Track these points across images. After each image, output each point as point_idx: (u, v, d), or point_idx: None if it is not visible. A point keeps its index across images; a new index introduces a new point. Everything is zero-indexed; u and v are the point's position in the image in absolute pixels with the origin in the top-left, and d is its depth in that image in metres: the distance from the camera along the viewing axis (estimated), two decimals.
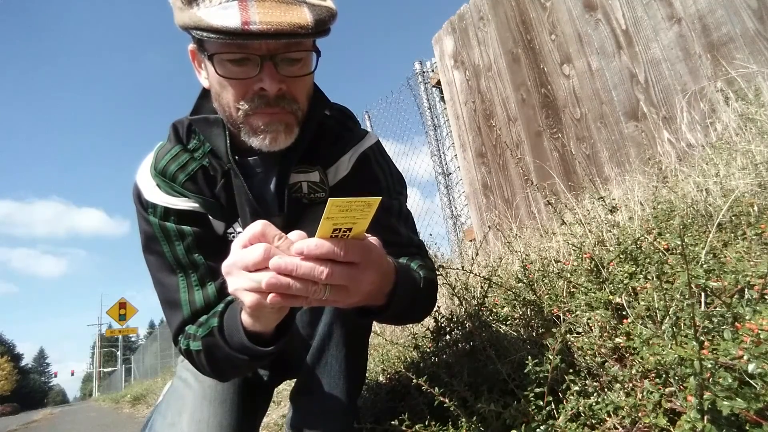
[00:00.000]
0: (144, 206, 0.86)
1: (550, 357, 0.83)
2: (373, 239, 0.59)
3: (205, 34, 0.68)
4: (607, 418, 0.80)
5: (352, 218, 0.51)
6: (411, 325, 1.67)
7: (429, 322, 1.34)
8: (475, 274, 1.48)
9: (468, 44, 3.27)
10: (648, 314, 0.90)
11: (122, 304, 17.51)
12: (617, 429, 0.79)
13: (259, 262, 0.54)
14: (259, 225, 0.56)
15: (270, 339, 0.69)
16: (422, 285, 0.84)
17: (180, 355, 0.94)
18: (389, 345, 1.73)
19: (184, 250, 0.84)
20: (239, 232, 0.89)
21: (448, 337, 1.32)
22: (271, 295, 0.54)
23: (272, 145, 0.78)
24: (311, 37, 0.72)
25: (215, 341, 0.73)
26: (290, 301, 0.55)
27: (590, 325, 1.01)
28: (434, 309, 1.11)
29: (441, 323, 1.31)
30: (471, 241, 3.27)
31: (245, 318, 0.66)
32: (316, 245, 0.52)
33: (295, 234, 0.56)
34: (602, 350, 0.93)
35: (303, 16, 0.69)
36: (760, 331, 0.65)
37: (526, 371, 0.84)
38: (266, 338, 0.68)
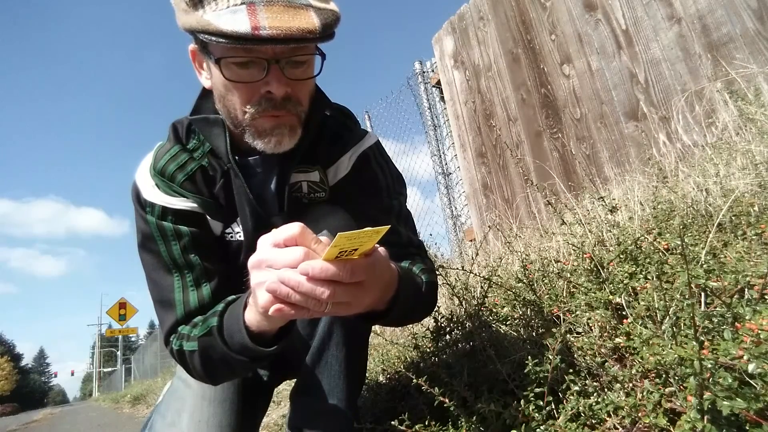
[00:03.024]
0: (142, 205, 0.87)
1: (550, 357, 0.83)
2: (380, 250, 0.59)
3: (214, 38, 0.68)
4: (607, 418, 0.80)
5: (359, 243, 0.51)
6: (411, 324, 1.67)
7: (429, 322, 1.34)
8: (475, 274, 1.48)
9: (468, 44, 3.27)
10: (648, 314, 0.90)
11: (122, 304, 17.49)
12: (617, 429, 0.78)
13: (297, 264, 0.54)
14: (296, 227, 0.56)
15: (271, 340, 0.69)
16: (424, 289, 0.84)
17: None
18: (389, 345, 1.73)
19: (181, 249, 0.84)
20: (237, 233, 0.89)
21: (448, 337, 1.32)
22: (273, 307, 0.55)
23: (277, 148, 0.78)
24: (319, 42, 0.72)
25: (213, 341, 0.73)
26: (291, 311, 0.55)
27: (590, 325, 1.01)
28: (434, 309, 1.10)
29: (441, 323, 1.31)
30: (471, 241, 3.27)
31: (250, 316, 0.66)
32: (321, 269, 0.52)
33: (325, 237, 0.57)
34: (602, 350, 0.93)
35: (311, 21, 0.69)
36: (760, 331, 0.65)
37: (526, 371, 0.84)
38: (268, 339, 0.68)
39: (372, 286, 0.58)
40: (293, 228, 0.56)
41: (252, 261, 0.58)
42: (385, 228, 0.50)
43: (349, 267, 0.53)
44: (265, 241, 0.58)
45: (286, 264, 0.54)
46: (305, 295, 0.53)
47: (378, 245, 0.58)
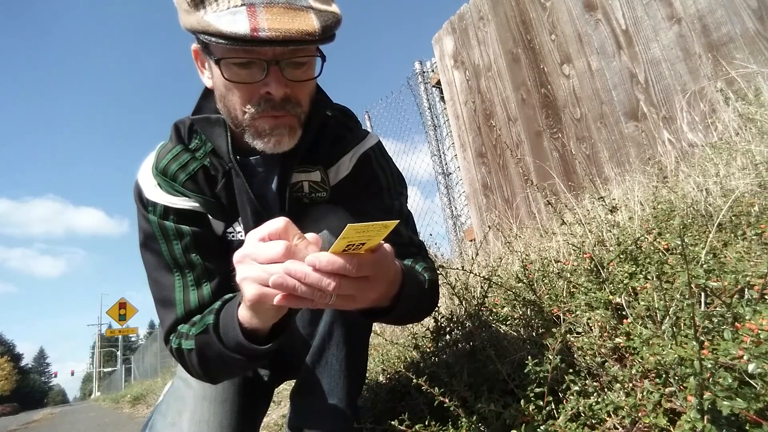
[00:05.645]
0: (144, 205, 0.87)
1: (550, 357, 0.83)
2: (385, 246, 0.59)
3: (213, 39, 0.68)
4: (607, 418, 0.80)
5: (368, 237, 0.52)
6: (411, 324, 1.68)
7: (429, 322, 1.34)
8: (475, 274, 1.49)
9: (468, 44, 3.27)
10: (648, 314, 0.90)
11: (122, 304, 17.50)
12: (617, 429, 0.79)
13: (277, 258, 0.55)
14: (281, 222, 0.57)
15: (265, 338, 0.69)
16: (427, 287, 0.84)
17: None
18: (389, 345, 1.73)
19: (182, 249, 0.84)
20: (239, 232, 0.89)
21: (448, 337, 1.32)
22: (278, 296, 0.55)
23: (276, 148, 0.79)
24: (318, 44, 0.73)
25: (209, 339, 0.73)
26: (296, 302, 0.56)
27: (590, 325, 1.01)
28: (435, 308, 1.11)
29: (441, 323, 1.31)
30: (471, 241, 3.27)
31: (243, 313, 0.66)
32: (328, 262, 0.53)
33: (312, 236, 0.58)
34: (602, 350, 0.93)
35: (310, 23, 0.69)
36: (760, 331, 0.65)
37: (526, 371, 0.84)
38: (262, 336, 0.68)
39: (378, 281, 0.59)
40: (278, 222, 0.57)
41: (237, 255, 0.60)
42: (395, 222, 0.50)
43: (356, 261, 0.54)
44: (252, 236, 0.59)
45: (266, 258, 0.55)
46: (311, 286, 0.53)
47: (384, 242, 0.59)
